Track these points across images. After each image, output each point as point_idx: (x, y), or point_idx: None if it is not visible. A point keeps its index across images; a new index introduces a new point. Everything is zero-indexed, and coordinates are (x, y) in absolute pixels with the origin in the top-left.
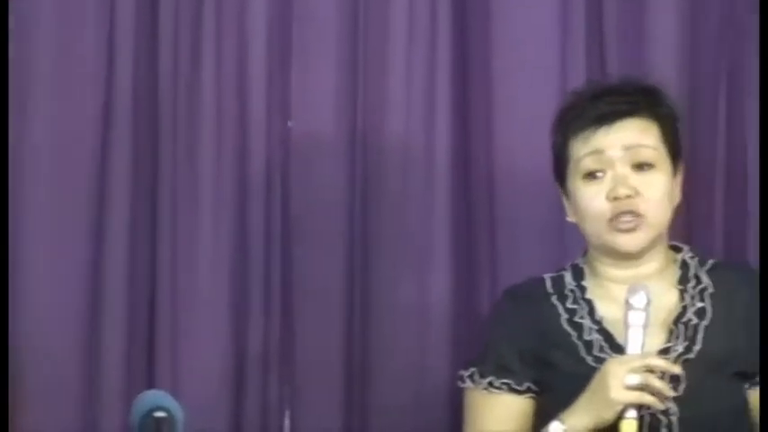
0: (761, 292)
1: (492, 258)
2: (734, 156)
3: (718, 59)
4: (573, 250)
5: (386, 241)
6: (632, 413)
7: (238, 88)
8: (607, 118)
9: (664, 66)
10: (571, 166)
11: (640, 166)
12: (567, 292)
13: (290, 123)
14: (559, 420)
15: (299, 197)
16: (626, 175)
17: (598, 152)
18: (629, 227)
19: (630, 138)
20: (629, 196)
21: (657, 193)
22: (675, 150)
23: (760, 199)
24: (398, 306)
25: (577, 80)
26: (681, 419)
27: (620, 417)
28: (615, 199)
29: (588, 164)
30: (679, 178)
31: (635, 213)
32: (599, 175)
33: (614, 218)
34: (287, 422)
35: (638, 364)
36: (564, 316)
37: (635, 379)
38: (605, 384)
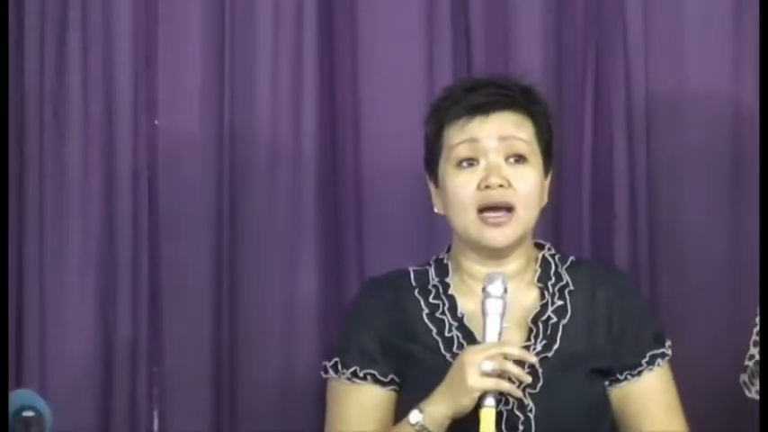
0: (761, 291)
1: (359, 255)
2: (600, 158)
3: (584, 62)
4: (440, 247)
5: (254, 239)
6: (491, 402)
7: (105, 87)
8: (484, 107)
9: (529, 69)
10: (444, 153)
11: (514, 159)
12: (430, 287)
13: (156, 121)
14: (418, 409)
15: (166, 195)
16: (499, 165)
17: (473, 140)
18: (499, 221)
19: (506, 129)
20: (501, 186)
21: (528, 186)
22: (548, 150)
23: (760, 199)
24: (267, 304)
25: (444, 80)
26: (537, 416)
27: (478, 406)
28: (487, 188)
29: (462, 151)
30: (548, 180)
31: (505, 207)
32: (472, 163)
33: (483, 209)
34: (156, 422)
35: (493, 351)
36: (425, 311)
37: (490, 365)
38: (462, 372)
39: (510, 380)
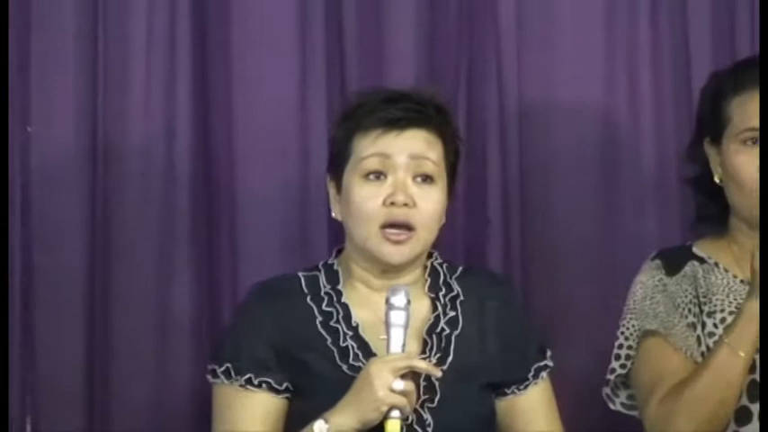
0: (761, 290)
1: (233, 267)
2: (474, 166)
3: (457, 72)
4: (315, 259)
5: (127, 249)
6: (396, 413)
7: None
8: (399, 123)
9: (404, 80)
10: (352, 162)
11: (421, 178)
12: (322, 294)
13: (29, 129)
14: (324, 419)
15: (39, 204)
16: (406, 184)
17: (384, 155)
18: (399, 239)
19: (418, 147)
20: (405, 204)
21: (431, 207)
22: (454, 172)
23: (760, 199)
24: (140, 314)
25: (317, 92)
26: (435, 430)
27: (384, 417)
28: (392, 204)
29: (371, 164)
30: (449, 201)
31: (407, 226)
32: (379, 176)
33: (386, 226)
34: (28, 429)
35: (401, 364)
36: (319, 318)
37: (401, 384)
38: (370, 385)
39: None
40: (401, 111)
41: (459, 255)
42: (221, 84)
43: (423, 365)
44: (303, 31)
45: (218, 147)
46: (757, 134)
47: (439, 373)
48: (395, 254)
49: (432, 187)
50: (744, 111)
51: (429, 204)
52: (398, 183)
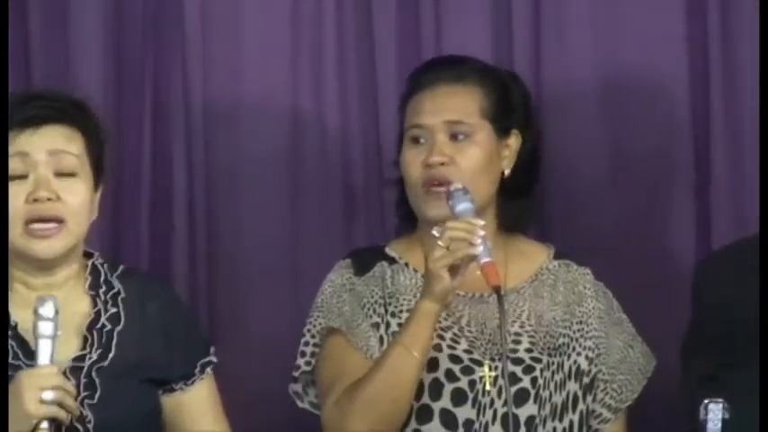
0: (761, 290)
1: None
2: (159, 171)
3: (143, 74)
4: None
5: None
6: (45, 424)
7: None
8: (34, 120)
9: (90, 80)
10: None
11: (63, 173)
12: None
13: None
14: None
15: None
16: (49, 179)
17: (23, 153)
18: (48, 233)
19: (55, 143)
20: (49, 199)
21: (77, 199)
22: (99, 164)
23: (760, 199)
24: None
25: None
26: (96, 426)
27: (34, 429)
28: (35, 201)
29: (13, 165)
30: (99, 194)
31: (56, 219)
32: (24, 177)
33: (31, 221)
34: None
35: (50, 382)
36: None
37: (51, 395)
38: (20, 398)
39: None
40: (35, 109)
41: (144, 258)
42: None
43: (69, 402)
44: None
45: None
46: (419, 132)
47: (77, 414)
48: (46, 248)
49: (75, 180)
50: (412, 109)
51: (74, 197)
52: (40, 179)
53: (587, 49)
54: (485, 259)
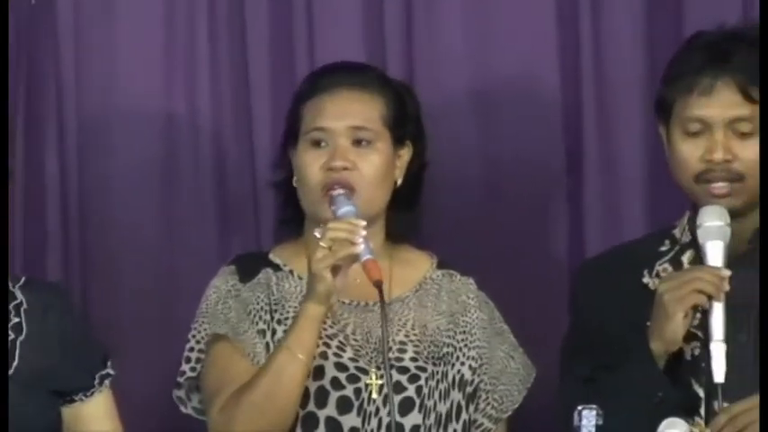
0: (761, 290)
1: None
2: (32, 181)
3: (16, 85)
4: None
5: None
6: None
7: None
8: None
9: None
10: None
11: None
12: None
13: None
14: None
15: None
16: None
17: None
18: None
19: None
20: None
21: None
22: None
23: (760, 199)
24: None
25: None
26: None
27: None
28: None
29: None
30: None
31: None
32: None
33: None
34: None
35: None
36: None
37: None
38: None
39: None
40: None
41: (18, 265)
42: None
43: None
44: None
45: None
46: (321, 135)
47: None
48: None
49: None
50: (311, 111)
51: None
52: None
53: (460, 57)
54: (366, 257)
